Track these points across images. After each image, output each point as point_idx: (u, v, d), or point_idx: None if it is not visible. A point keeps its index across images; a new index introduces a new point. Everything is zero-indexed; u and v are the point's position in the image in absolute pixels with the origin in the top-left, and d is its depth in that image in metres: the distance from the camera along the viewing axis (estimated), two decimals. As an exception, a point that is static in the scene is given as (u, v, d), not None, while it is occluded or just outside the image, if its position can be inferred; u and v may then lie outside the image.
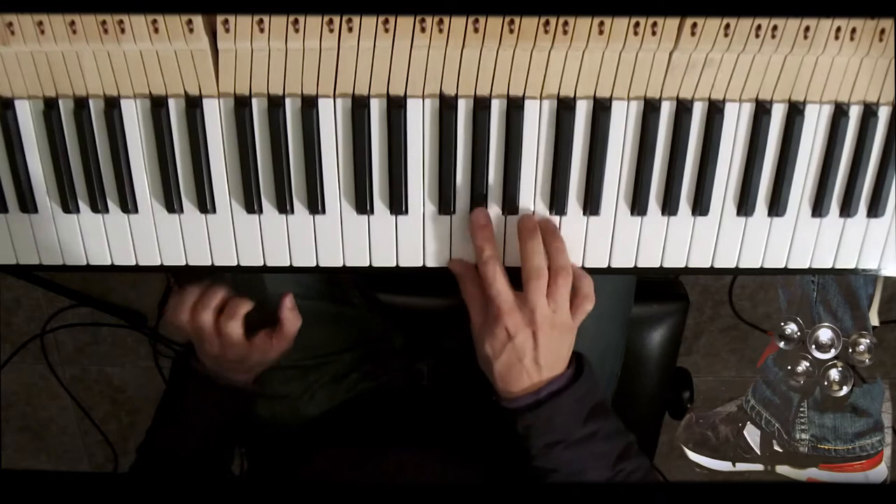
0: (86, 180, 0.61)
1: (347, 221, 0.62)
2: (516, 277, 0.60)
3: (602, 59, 0.57)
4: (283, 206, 0.61)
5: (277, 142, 0.59)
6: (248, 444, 0.86)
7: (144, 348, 1.62)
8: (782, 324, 1.04)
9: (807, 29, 0.55)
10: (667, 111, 0.59)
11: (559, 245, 0.61)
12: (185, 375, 0.72)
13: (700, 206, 0.62)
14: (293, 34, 0.55)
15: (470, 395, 0.80)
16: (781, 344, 1.04)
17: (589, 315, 0.62)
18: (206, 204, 0.61)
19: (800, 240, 0.63)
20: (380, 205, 0.62)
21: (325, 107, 0.58)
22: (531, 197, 0.61)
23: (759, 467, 1.13)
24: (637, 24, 0.55)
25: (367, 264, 0.64)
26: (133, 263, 0.64)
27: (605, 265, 0.64)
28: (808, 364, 1.03)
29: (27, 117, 0.59)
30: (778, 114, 0.59)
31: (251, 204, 0.61)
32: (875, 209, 0.62)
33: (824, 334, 1.01)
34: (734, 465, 1.14)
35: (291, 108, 0.58)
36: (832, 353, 1.01)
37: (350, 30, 0.55)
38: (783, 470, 1.11)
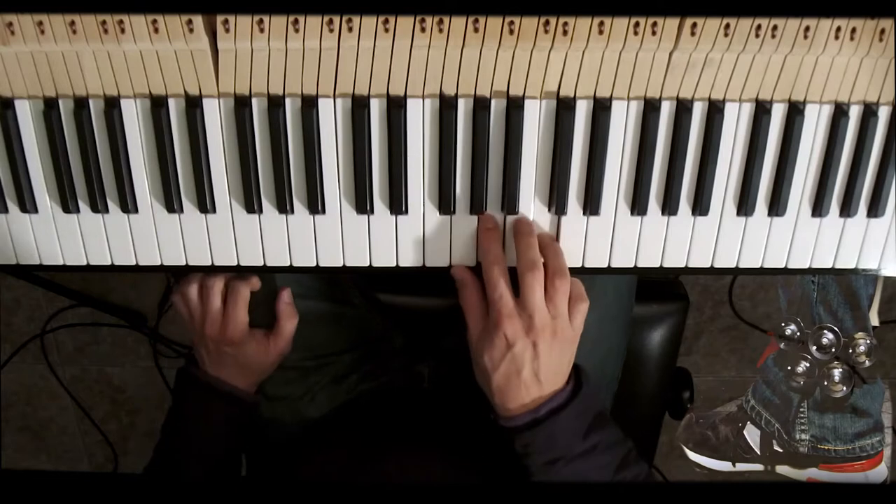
0: (86, 180, 0.61)
1: (347, 221, 0.62)
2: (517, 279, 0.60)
3: (602, 59, 0.57)
4: (283, 206, 0.61)
5: (277, 142, 0.59)
6: (249, 447, 0.86)
7: (144, 348, 1.62)
8: (782, 324, 1.04)
9: (807, 29, 0.55)
10: (667, 111, 0.59)
11: (556, 249, 0.61)
12: (188, 384, 0.72)
13: (700, 205, 0.62)
14: (293, 34, 0.55)
15: (470, 397, 0.80)
16: (781, 344, 1.04)
17: (590, 317, 0.62)
18: (206, 204, 0.61)
19: (800, 240, 0.63)
20: (380, 205, 0.62)
21: (325, 107, 0.58)
22: (531, 197, 0.62)
23: (759, 467, 1.13)
24: (637, 24, 0.55)
25: (367, 264, 0.64)
26: (133, 263, 0.64)
27: (605, 265, 0.64)
28: (808, 364, 1.03)
29: (27, 117, 0.59)
30: (778, 114, 0.59)
31: (251, 204, 0.61)
32: (875, 209, 0.62)
33: (824, 335, 1.01)
34: (734, 465, 1.14)
35: (291, 108, 0.58)
36: (832, 353, 1.01)
37: (350, 30, 0.55)
38: (783, 470, 1.11)
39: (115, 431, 1.74)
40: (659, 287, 0.96)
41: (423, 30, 0.55)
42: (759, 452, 1.12)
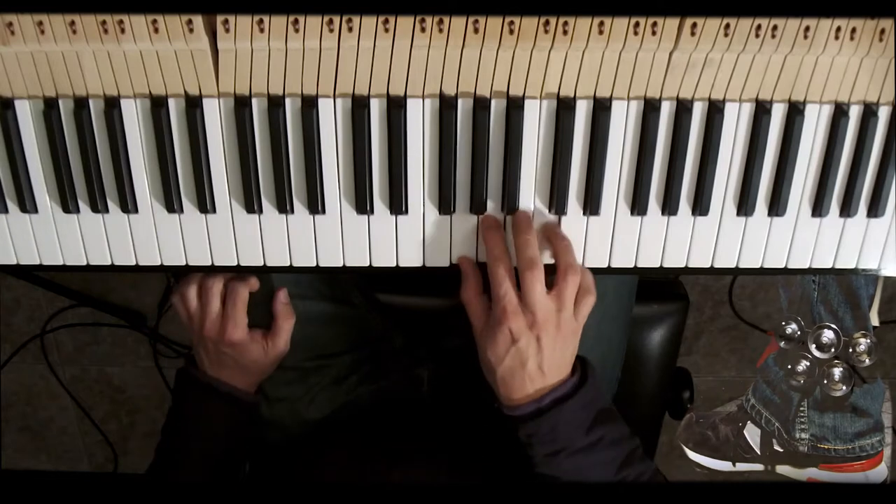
0: (86, 180, 0.61)
1: (347, 221, 0.62)
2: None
3: (602, 59, 0.57)
4: (283, 206, 0.61)
5: (277, 142, 0.59)
6: (250, 448, 0.85)
7: (144, 348, 1.62)
8: (783, 323, 1.04)
9: (807, 29, 0.55)
10: (667, 111, 0.59)
11: (566, 244, 0.61)
12: (187, 385, 0.72)
13: (700, 205, 0.62)
14: (293, 34, 0.55)
15: (471, 401, 0.80)
16: (782, 343, 1.04)
17: (591, 317, 0.62)
18: (206, 204, 0.61)
19: (800, 240, 0.63)
20: (380, 205, 0.62)
21: (325, 107, 0.58)
22: (531, 197, 0.61)
23: (759, 467, 1.13)
24: (637, 24, 0.55)
25: (367, 264, 0.64)
26: (133, 263, 0.64)
27: (605, 265, 0.64)
28: (808, 363, 1.03)
29: (27, 117, 0.59)
30: (778, 114, 0.59)
31: (251, 204, 0.61)
32: (875, 209, 0.62)
33: (825, 334, 1.01)
34: (734, 464, 1.14)
35: (291, 108, 0.58)
36: (832, 352, 1.01)
37: (350, 30, 0.55)
38: (783, 470, 1.11)
39: (115, 431, 1.74)
40: (659, 287, 0.96)
41: (423, 30, 0.55)
42: (759, 452, 1.12)
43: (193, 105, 0.58)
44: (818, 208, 0.62)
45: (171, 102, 0.58)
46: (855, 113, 0.59)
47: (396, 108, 0.58)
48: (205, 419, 0.71)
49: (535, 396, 0.60)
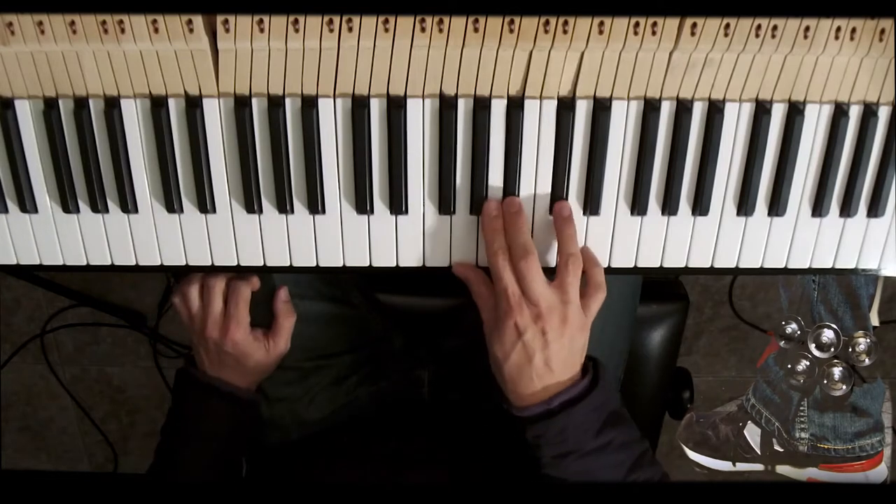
0: (86, 180, 0.61)
1: (347, 221, 0.62)
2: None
3: (602, 59, 0.57)
4: (283, 206, 0.61)
5: (277, 142, 0.59)
6: (249, 448, 0.85)
7: (144, 348, 1.62)
8: (783, 323, 1.04)
9: (807, 29, 0.55)
10: (667, 111, 0.59)
11: (570, 232, 0.60)
12: (188, 385, 0.72)
13: (700, 205, 0.62)
14: (293, 34, 0.55)
15: (471, 402, 0.80)
16: (782, 343, 1.04)
17: (595, 319, 0.61)
18: (206, 204, 0.61)
19: (800, 240, 0.63)
20: (380, 205, 0.62)
21: (325, 107, 0.58)
22: (531, 196, 0.61)
23: (759, 467, 1.13)
24: (637, 24, 0.55)
25: (367, 264, 0.64)
26: (133, 263, 0.64)
27: (605, 265, 0.64)
28: (808, 363, 1.03)
29: (27, 117, 0.59)
30: (778, 114, 0.59)
31: (251, 204, 0.61)
32: (875, 209, 0.62)
33: (825, 334, 1.01)
34: (734, 464, 1.14)
35: (291, 107, 0.58)
36: (832, 352, 1.01)
37: (350, 30, 0.55)
38: (783, 470, 1.11)
39: (115, 431, 1.74)
40: (659, 287, 0.96)
41: (423, 30, 0.55)
42: (759, 452, 1.12)
43: (193, 105, 0.58)
44: (818, 208, 0.62)
45: (171, 102, 0.58)
46: (855, 113, 0.59)
47: (396, 108, 0.58)
48: (206, 419, 0.70)
49: (543, 395, 0.59)
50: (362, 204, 0.61)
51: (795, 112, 0.59)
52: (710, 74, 0.58)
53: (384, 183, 0.61)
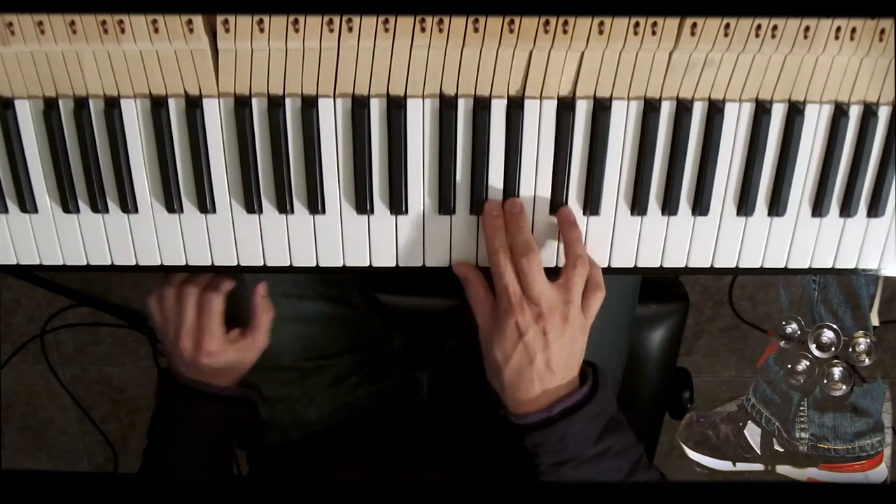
0: (86, 180, 0.61)
1: (347, 221, 0.62)
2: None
3: (602, 59, 0.57)
4: (283, 206, 0.61)
5: (277, 142, 0.59)
6: (249, 448, 0.85)
7: (144, 348, 1.62)
8: (783, 323, 1.04)
9: (807, 29, 0.55)
10: (667, 111, 0.59)
11: (576, 235, 0.60)
12: (170, 388, 0.70)
13: (700, 205, 0.62)
14: (293, 34, 0.55)
15: (471, 403, 0.80)
16: (782, 343, 1.04)
17: (594, 320, 0.61)
18: (206, 204, 0.61)
19: (800, 240, 0.63)
20: (380, 205, 0.62)
21: (325, 107, 0.58)
22: (531, 196, 0.61)
23: (759, 467, 1.13)
24: (637, 24, 0.55)
25: (367, 264, 0.64)
26: (133, 263, 0.63)
27: (605, 265, 0.64)
28: (808, 363, 1.03)
29: (27, 117, 0.59)
30: (778, 114, 0.59)
31: (251, 204, 0.61)
32: (875, 209, 0.62)
33: (825, 334, 1.01)
34: (734, 464, 1.14)
35: (291, 107, 0.58)
36: (832, 352, 1.01)
37: (350, 30, 0.55)
38: (783, 470, 1.11)
39: (115, 431, 1.74)
40: (659, 287, 0.96)
41: (423, 30, 0.55)
42: (759, 452, 1.12)
43: (193, 105, 0.58)
44: (818, 208, 0.62)
45: (171, 102, 0.58)
46: (855, 113, 0.59)
47: (396, 108, 0.58)
48: (191, 420, 0.69)
49: (543, 400, 0.59)
50: (362, 204, 0.61)
51: (795, 112, 0.59)
52: (710, 74, 0.58)
53: (384, 183, 0.61)
